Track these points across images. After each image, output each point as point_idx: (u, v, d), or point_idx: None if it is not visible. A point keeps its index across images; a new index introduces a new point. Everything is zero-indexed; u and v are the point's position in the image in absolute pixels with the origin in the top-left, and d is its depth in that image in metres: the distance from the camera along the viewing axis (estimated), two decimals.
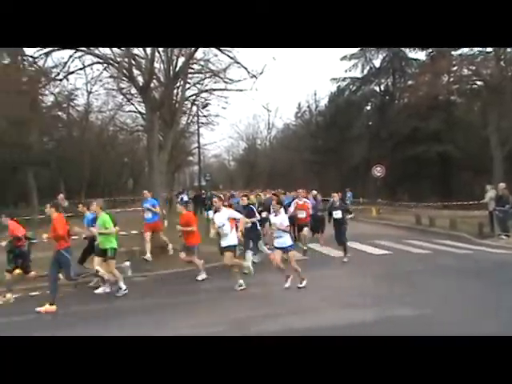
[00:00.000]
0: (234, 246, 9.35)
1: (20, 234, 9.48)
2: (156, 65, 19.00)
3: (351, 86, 44.51)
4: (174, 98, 21.99)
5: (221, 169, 77.20)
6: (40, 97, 26.14)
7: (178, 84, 20.23)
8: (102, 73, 23.99)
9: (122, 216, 14.67)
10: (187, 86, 22.06)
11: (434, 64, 31.71)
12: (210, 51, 19.08)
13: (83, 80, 33.91)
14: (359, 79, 43.54)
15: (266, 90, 68.86)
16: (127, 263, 10.56)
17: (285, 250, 8.80)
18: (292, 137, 57.59)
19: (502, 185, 15.34)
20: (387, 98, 42.73)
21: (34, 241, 10.07)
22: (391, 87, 42.52)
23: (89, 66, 18.65)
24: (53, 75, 18.93)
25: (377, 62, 42.43)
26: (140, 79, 16.93)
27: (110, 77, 23.42)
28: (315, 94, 50.57)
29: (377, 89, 43.72)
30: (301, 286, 8.68)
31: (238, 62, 18.66)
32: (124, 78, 19.87)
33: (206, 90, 24.74)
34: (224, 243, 9.27)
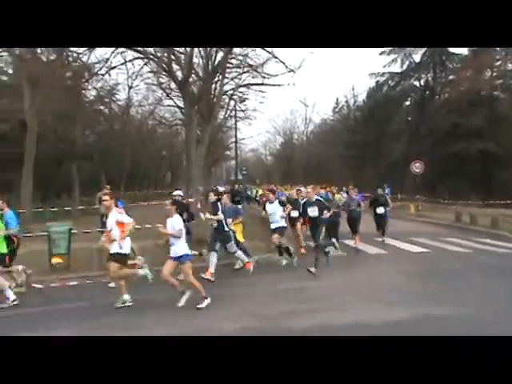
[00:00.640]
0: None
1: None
2: (195, 60, 19.35)
3: (390, 81, 44.01)
4: (212, 92, 22.24)
5: (258, 163, 77.53)
6: (83, 91, 26.92)
7: (216, 79, 20.49)
8: (142, 68, 24.73)
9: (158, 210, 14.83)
10: (225, 80, 22.29)
11: (476, 58, 30.86)
12: None
13: (124, 75, 35.05)
14: (398, 74, 42.94)
15: (304, 84, 68.85)
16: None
17: (178, 260, 7.20)
18: (329, 131, 57.28)
19: None
20: (427, 93, 41.87)
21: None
22: (431, 82, 41.64)
23: (130, 61, 19.21)
24: (96, 70, 19.56)
25: (417, 57, 41.82)
26: (179, 74, 17.24)
27: (150, 72, 23.98)
28: (353, 89, 50.52)
29: (416, 84, 43.00)
30: (200, 306, 7.02)
31: (275, 57, 18.78)
32: (164, 73, 20.28)
33: (244, 85, 24.89)
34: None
